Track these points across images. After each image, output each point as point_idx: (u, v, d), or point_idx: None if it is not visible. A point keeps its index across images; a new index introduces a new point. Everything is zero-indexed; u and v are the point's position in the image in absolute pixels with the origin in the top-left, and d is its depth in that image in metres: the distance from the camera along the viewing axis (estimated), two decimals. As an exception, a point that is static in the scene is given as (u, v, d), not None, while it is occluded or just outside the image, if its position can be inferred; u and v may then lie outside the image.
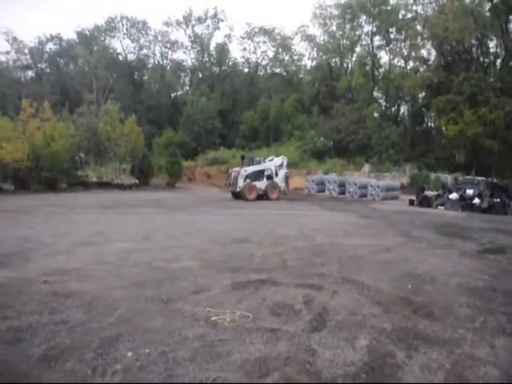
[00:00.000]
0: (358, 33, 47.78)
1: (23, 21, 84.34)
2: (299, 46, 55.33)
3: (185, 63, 60.32)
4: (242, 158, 26.76)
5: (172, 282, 6.63)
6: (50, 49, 59.56)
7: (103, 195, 23.86)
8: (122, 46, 58.80)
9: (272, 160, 25.36)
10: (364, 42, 48.27)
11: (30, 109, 27.98)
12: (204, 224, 13.85)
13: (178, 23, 57.30)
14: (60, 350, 4.20)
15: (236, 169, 24.75)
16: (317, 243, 10.54)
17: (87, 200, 21.18)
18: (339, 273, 7.45)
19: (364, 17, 45.51)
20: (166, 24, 57.26)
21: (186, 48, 59.09)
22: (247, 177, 23.78)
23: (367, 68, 46.24)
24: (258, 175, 24.31)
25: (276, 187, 24.30)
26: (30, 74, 59.67)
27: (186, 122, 48.21)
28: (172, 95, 59.85)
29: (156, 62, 60.20)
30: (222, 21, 56.70)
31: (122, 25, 57.17)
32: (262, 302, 5.76)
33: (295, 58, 57.84)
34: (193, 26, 57.37)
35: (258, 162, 25.19)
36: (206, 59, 58.98)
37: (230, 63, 59.33)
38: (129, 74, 55.97)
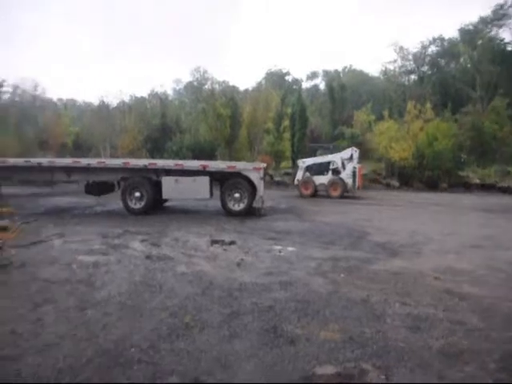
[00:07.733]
0: None
1: (408, 30, 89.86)
2: None
3: None
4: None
5: None
6: (432, 51, 61.03)
7: (486, 198, 22.34)
8: (512, 34, 53.69)
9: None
10: None
11: (414, 110, 29.52)
12: None
13: None
14: (458, 350, 4.21)
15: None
16: None
17: (470, 202, 20.41)
18: None
19: None
20: None
21: None
22: (307, 169, 21.63)
23: None
24: (322, 168, 21.56)
25: (338, 183, 20.97)
26: (412, 77, 62.86)
27: None
28: None
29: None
30: None
31: (515, 9, 51.90)
32: None
33: None
34: None
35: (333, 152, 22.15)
36: None
37: None
38: (517, 66, 50.34)
